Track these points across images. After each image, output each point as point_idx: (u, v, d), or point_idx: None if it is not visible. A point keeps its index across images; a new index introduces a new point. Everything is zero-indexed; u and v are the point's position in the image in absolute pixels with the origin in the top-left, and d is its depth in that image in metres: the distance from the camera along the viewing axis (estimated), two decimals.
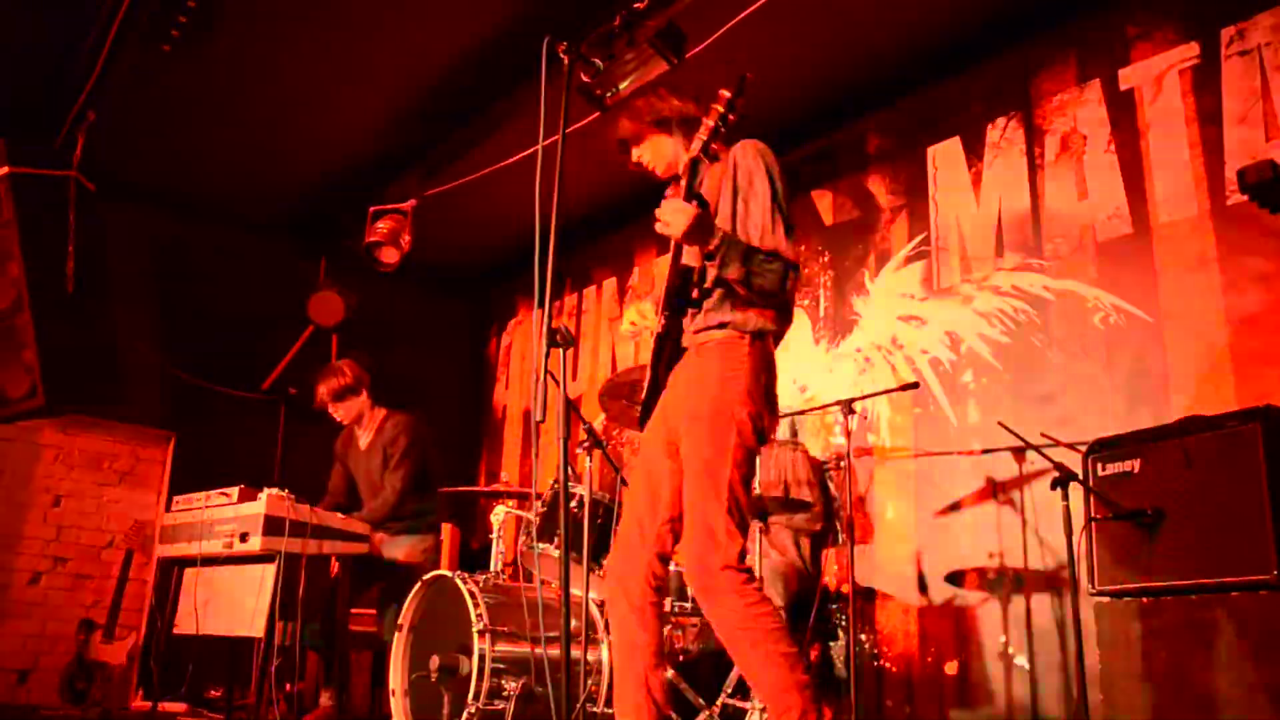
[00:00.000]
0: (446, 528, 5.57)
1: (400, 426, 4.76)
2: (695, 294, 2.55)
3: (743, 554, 2.35)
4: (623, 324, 6.60)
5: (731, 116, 2.39)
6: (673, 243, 2.50)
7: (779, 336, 2.59)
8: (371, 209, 5.99)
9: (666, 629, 3.73)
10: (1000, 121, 4.67)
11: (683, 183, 2.43)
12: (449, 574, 3.71)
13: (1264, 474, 2.85)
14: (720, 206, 2.55)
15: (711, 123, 2.39)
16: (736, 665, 2.51)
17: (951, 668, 4.27)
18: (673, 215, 2.37)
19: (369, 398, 4.87)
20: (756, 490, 4.00)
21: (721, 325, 2.50)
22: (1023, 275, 4.43)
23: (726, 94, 2.38)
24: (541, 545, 3.83)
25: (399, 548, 4.63)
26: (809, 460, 4.66)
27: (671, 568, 4.15)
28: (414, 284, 7.41)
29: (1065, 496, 3.37)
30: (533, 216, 2.28)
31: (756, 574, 2.40)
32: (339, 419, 4.87)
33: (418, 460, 4.71)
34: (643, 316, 6.47)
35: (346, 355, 5.05)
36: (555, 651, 3.25)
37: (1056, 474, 3.39)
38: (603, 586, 2.60)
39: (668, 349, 2.62)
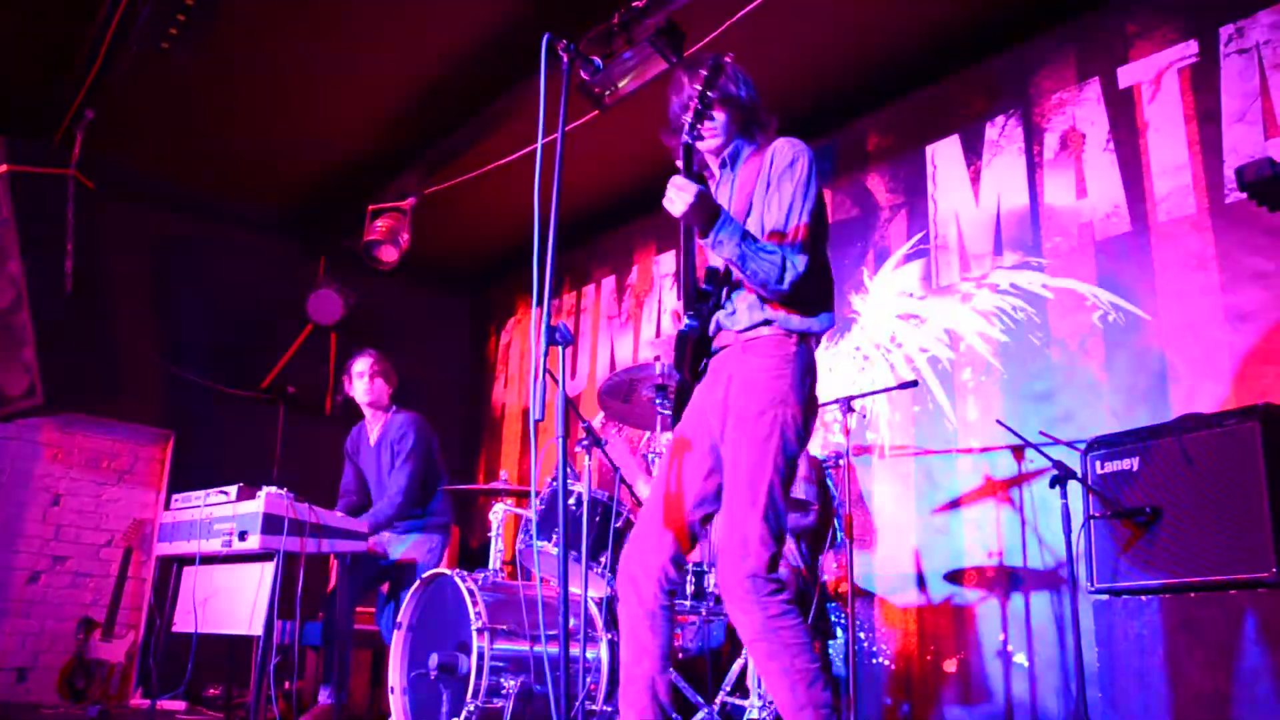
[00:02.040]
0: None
1: (407, 424, 4.78)
2: (710, 289, 2.54)
3: (774, 562, 2.29)
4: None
5: (712, 94, 2.35)
6: (682, 236, 2.49)
7: (819, 338, 2.56)
8: (370, 207, 5.99)
9: None
10: (999, 120, 4.67)
11: (679, 164, 2.40)
12: (448, 572, 3.71)
13: (1262, 472, 2.86)
14: (754, 198, 2.53)
15: (693, 109, 2.36)
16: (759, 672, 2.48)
17: (950, 665, 4.28)
18: (677, 193, 2.35)
19: (390, 394, 4.92)
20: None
21: (767, 322, 2.47)
22: (1021, 273, 4.43)
23: (701, 74, 2.35)
24: (540, 543, 3.84)
25: (403, 547, 4.64)
26: (809, 459, 4.66)
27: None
28: (413, 282, 7.41)
29: (1064, 495, 3.37)
30: (532, 214, 2.28)
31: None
32: (356, 393, 4.89)
33: (422, 459, 4.73)
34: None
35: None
36: (554, 649, 3.25)
37: (1055, 472, 3.39)
38: (616, 584, 2.56)
39: (689, 349, 2.58)
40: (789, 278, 2.39)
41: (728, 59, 2.43)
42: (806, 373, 2.45)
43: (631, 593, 2.48)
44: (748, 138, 2.64)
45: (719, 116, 2.57)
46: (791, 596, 2.30)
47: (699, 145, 2.52)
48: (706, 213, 2.37)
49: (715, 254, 2.44)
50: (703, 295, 2.57)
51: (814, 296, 2.49)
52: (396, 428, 4.79)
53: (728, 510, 2.36)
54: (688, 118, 2.38)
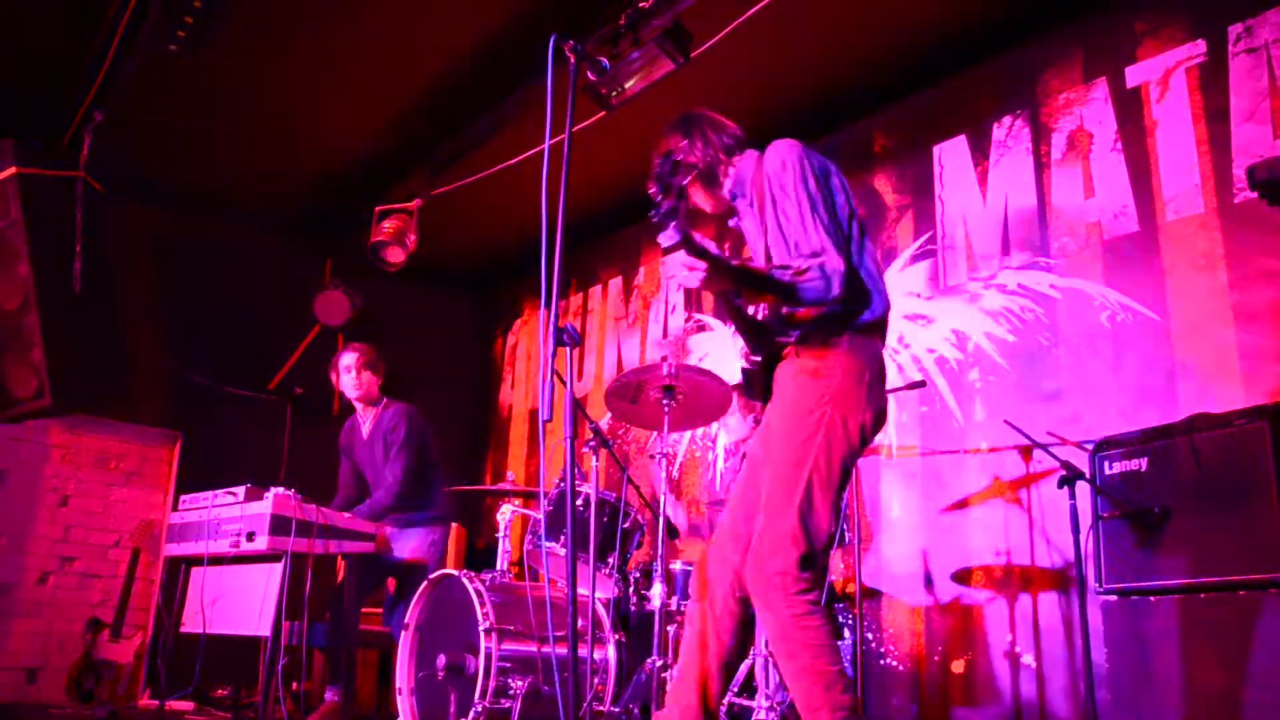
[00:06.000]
0: (453, 525, 5.57)
1: (399, 415, 4.76)
2: (758, 315, 2.52)
3: (806, 560, 2.25)
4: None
5: (666, 200, 2.20)
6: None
7: (884, 325, 2.50)
8: (377, 208, 6.00)
9: (672, 628, 3.73)
10: (1006, 120, 4.66)
11: (673, 239, 2.24)
12: (455, 573, 3.71)
13: (1272, 472, 2.85)
14: (769, 223, 2.48)
15: (655, 209, 2.23)
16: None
17: (958, 666, 4.27)
18: (688, 274, 2.24)
19: (379, 386, 4.90)
20: None
21: (814, 326, 2.43)
22: (1029, 274, 4.42)
23: (656, 172, 2.27)
24: (549, 544, 3.84)
25: (407, 542, 4.63)
26: None
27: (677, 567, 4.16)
28: (420, 284, 7.42)
29: (1072, 495, 3.36)
30: (539, 216, 2.28)
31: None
32: (345, 387, 4.85)
33: (416, 449, 4.70)
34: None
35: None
36: (562, 650, 3.25)
37: (1063, 472, 3.37)
38: (692, 581, 2.56)
39: (756, 381, 2.57)
40: (835, 283, 2.32)
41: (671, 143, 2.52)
42: (864, 369, 2.39)
43: (703, 594, 2.47)
44: (727, 169, 2.61)
45: (696, 193, 2.62)
46: (819, 597, 2.28)
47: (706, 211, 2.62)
48: (726, 278, 2.30)
49: (756, 307, 2.40)
50: (758, 327, 2.56)
51: (855, 288, 2.43)
52: (389, 420, 4.77)
53: (765, 505, 2.34)
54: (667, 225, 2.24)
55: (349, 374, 4.81)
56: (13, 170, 4.52)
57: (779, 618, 2.24)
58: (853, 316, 2.43)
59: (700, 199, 2.66)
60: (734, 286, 2.35)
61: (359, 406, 4.92)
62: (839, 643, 3.84)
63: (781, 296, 2.35)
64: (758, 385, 2.59)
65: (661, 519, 3.61)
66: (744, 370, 2.61)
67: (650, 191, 2.26)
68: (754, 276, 2.35)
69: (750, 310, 2.53)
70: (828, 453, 2.32)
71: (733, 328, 2.66)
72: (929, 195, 4.91)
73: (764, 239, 2.51)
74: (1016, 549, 4.18)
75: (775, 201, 2.46)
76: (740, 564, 2.43)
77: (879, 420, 2.45)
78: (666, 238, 2.16)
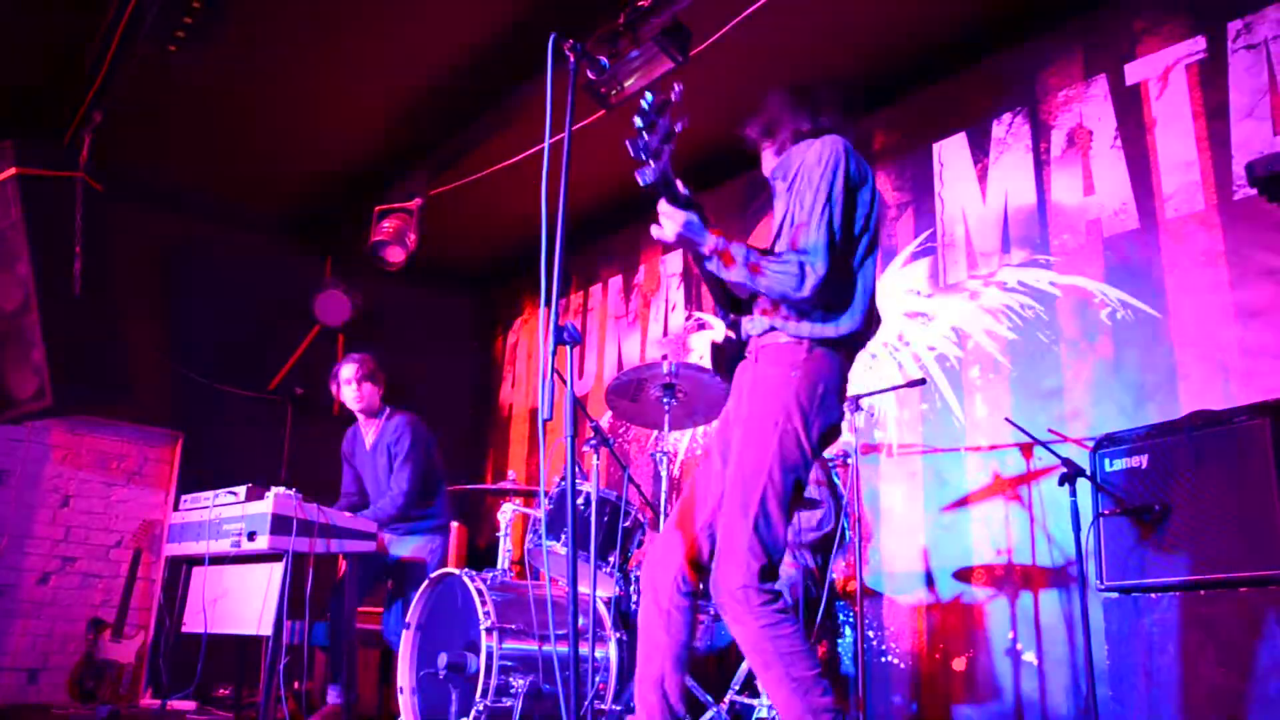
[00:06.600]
0: (454, 526, 5.57)
1: (403, 426, 4.76)
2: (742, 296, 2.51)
3: (766, 572, 2.24)
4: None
5: (650, 136, 2.15)
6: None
7: (853, 344, 2.46)
8: (377, 208, 6.00)
9: None
10: (1006, 117, 4.66)
11: (660, 191, 2.31)
12: (456, 572, 3.71)
13: (1273, 469, 2.85)
14: (788, 208, 2.47)
15: (632, 141, 2.20)
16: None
17: (960, 664, 4.27)
18: (666, 221, 2.32)
19: (380, 396, 4.88)
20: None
21: (773, 328, 2.41)
22: (1029, 271, 4.42)
23: (642, 106, 2.16)
24: (550, 542, 3.84)
25: (405, 547, 4.64)
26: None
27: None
28: (420, 283, 7.42)
29: (1073, 492, 3.36)
30: (539, 214, 2.28)
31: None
32: (346, 400, 4.83)
33: (422, 459, 4.71)
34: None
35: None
36: (563, 649, 3.25)
37: (1064, 470, 3.38)
38: (641, 581, 2.57)
39: (723, 359, 2.57)
40: (810, 283, 2.29)
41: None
42: (818, 381, 2.35)
43: (650, 591, 2.48)
44: (785, 147, 2.59)
45: (765, 154, 2.63)
46: (787, 605, 2.27)
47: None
48: (697, 239, 2.34)
49: (723, 277, 2.40)
50: (735, 303, 2.55)
51: (831, 299, 2.38)
52: (393, 430, 4.76)
53: (723, 518, 2.34)
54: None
55: (349, 386, 4.79)
56: (13, 171, 4.52)
57: (749, 631, 2.23)
58: (821, 326, 2.39)
59: (766, 162, 2.66)
60: (710, 248, 2.34)
61: (361, 418, 4.91)
62: (843, 639, 3.83)
63: (750, 274, 2.33)
64: (724, 363, 2.58)
65: (662, 517, 3.61)
66: (714, 344, 2.60)
67: (636, 124, 2.19)
68: (723, 251, 2.35)
69: (721, 276, 2.46)
70: (781, 464, 2.30)
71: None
72: (929, 193, 4.91)
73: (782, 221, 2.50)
74: (1017, 547, 4.18)
75: (797, 189, 2.44)
76: (684, 559, 2.44)
77: (830, 434, 2.41)
78: (643, 175, 2.14)
